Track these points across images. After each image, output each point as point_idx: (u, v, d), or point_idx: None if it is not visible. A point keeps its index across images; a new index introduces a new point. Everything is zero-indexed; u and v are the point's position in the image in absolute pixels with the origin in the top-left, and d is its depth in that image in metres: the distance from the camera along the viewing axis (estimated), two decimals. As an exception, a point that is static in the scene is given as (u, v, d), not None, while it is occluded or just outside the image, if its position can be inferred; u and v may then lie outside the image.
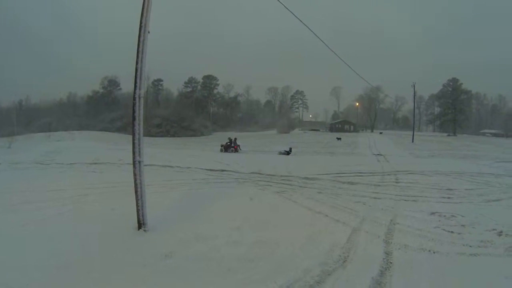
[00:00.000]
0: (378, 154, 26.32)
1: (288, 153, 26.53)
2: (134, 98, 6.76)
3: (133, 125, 6.76)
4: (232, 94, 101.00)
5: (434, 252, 5.83)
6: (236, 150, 28.88)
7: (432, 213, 8.21)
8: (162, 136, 60.27)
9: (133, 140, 6.75)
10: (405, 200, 9.72)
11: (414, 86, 50.82)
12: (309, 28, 12.37)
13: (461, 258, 5.59)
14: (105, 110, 75.45)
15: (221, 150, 28.98)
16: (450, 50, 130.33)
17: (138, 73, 6.77)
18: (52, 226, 7.06)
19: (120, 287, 4.62)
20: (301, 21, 11.57)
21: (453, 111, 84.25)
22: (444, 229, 7.02)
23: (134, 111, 6.74)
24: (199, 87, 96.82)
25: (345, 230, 6.94)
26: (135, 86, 6.77)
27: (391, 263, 5.34)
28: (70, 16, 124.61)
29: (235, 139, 30.86)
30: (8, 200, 9.40)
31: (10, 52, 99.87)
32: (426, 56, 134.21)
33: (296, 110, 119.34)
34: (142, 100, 6.84)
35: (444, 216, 7.99)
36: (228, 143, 29.76)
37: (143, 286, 4.62)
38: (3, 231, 6.75)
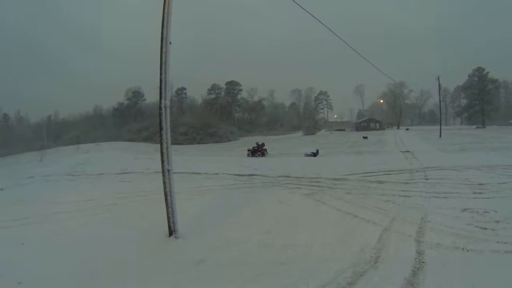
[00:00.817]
0: (405, 151, 25.82)
1: (314, 154, 26.35)
2: (160, 108, 6.90)
3: (161, 135, 6.90)
4: (256, 99, 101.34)
5: (467, 250, 5.69)
6: (263, 154, 29.00)
7: (464, 210, 8.01)
8: (188, 143, 60.75)
9: (161, 149, 6.89)
10: (435, 197, 9.52)
11: (438, 79, 49.49)
12: (330, 29, 12.33)
13: (496, 256, 5.44)
14: (131, 120, 77.26)
15: (248, 155, 29.31)
16: (473, 36, 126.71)
17: (163, 83, 6.89)
18: (84, 235, 7.32)
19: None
20: (321, 22, 11.58)
21: (481, 102, 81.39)
22: (477, 226, 6.84)
23: (161, 121, 6.88)
24: (222, 93, 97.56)
25: (375, 230, 6.87)
26: (161, 96, 6.90)
27: (423, 262, 5.25)
28: (93, 34, 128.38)
29: (262, 143, 30.92)
30: (41, 210, 9.80)
31: (39, 73, 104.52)
32: (449, 46, 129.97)
33: (321, 111, 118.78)
34: (168, 110, 6.97)
35: (477, 212, 7.77)
36: (255, 148, 29.92)
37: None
38: (36, 241, 7.04)
